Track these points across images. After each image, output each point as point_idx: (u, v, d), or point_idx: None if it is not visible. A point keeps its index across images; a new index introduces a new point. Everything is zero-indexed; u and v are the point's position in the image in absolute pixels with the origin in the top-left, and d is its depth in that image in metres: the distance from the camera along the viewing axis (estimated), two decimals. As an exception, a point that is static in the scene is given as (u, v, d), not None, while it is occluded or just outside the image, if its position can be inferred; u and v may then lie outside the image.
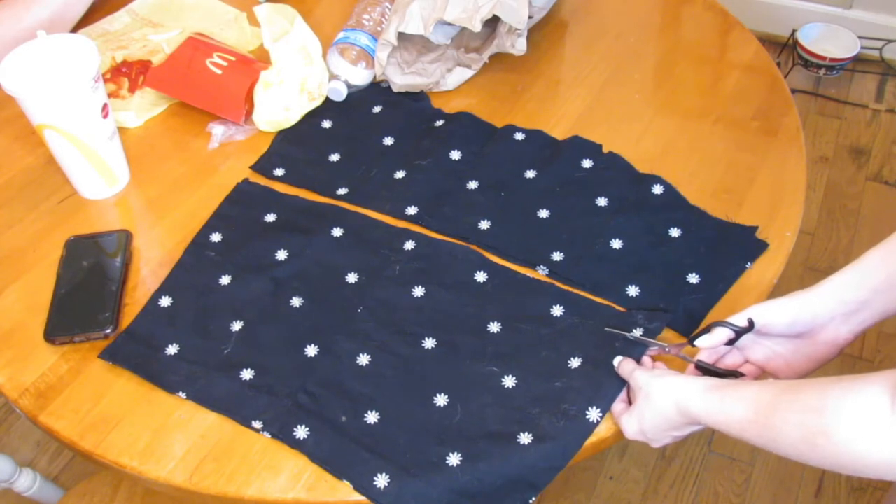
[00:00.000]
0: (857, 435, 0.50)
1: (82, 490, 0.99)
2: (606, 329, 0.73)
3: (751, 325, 0.66)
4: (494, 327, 0.75)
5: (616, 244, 0.82)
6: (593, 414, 0.68)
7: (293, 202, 0.89)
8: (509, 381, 0.71)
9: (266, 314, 0.78)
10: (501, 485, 0.66)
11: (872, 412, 0.49)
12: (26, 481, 1.08)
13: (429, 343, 0.75)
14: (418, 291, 0.79)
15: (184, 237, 0.86)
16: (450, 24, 0.95)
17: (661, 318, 0.74)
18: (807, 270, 1.75)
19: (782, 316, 0.65)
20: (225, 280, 0.81)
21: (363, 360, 0.74)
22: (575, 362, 0.71)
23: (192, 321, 0.78)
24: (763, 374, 0.68)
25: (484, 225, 0.85)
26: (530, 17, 0.98)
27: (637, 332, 0.72)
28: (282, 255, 0.83)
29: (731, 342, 0.67)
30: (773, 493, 1.42)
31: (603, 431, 0.68)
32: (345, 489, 0.66)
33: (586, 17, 1.12)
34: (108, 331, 0.76)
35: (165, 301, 0.79)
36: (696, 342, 0.67)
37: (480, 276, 0.79)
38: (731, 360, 0.70)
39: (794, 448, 0.54)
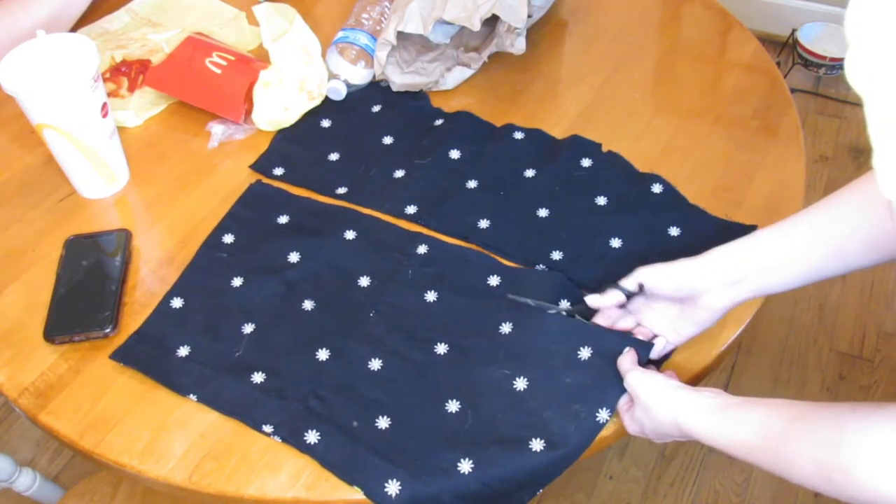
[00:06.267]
0: (879, 474, 0.49)
1: (82, 489, 0.99)
2: (509, 296, 0.76)
3: (640, 289, 0.70)
4: (506, 328, 0.75)
5: (615, 243, 0.82)
6: (602, 415, 0.68)
7: (306, 204, 0.88)
8: (521, 384, 0.70)
9: (277, 317, 0.77)
10: (510, 487, 0.66)
11: (893, 449, 0.48)
12: (26, 481, 1.08)
13: (441, 348, 0.74)
14: (431, 296, 0.78)
15: (183, 236, 0.86)
16: (449, 23, 0.95)
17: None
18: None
19: (665, 280, 0.69)
20: (237, 282, 0.81)
21: (375, 364, 0.73)
22: (585, 352, 0.71)
23: (204, 323, 0.77)
24: (654, 336, 0.71)
25: (483, 224, 0.85)
26: (529, 17, 0.98)
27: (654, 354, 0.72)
28: (294, 257, 0.82)
29: (622, 306, 0.71)
30: (773, 493, 1.42)
31: (603, 430, 0.68)
32: (344, 489, 0.66)
33: (586, 17, 1.12)
34: (107, 330, 0.76)
35: (177, 302, 0.79)
36: (587, 299, 0.72)
37: (493, 281, 0.79)
38: (623, 324, 0.73)
39: (810, 481, 0.53)
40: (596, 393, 0.69)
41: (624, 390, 0.68)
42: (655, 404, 0.63)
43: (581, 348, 0.71)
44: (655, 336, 0.71)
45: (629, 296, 0.71)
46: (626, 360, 0.68)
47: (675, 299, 0.70)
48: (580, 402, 0.68)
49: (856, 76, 0.40)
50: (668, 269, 0.69)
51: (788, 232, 0.66)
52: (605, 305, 0.72)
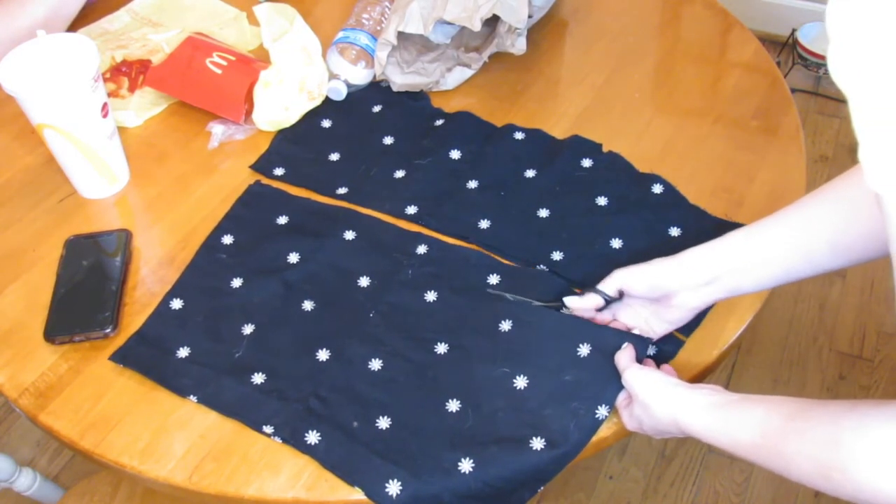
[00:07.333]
0: (877, 473, 0.48)
1: (82, 489, 0.99)
2: (488, 290, 0.77)
3: (620, 296, 0.72)
4: (506, 325, 0.75)
5: (616, 243, 0.82)
6: (602, 412, 0.68)
7: (305, 204, 0.88)
8: (521, 382, 0.70)
9: (277, 317, 0.77)
10: (511, 486, 0.66)
11: (891, 448, 0.48)
12: (26, 481, 1.08)
13: (441, 348, 0.74)
14: (431, 296, 0.78)
15: (184, 236, 0.86)
16: (449, 23, 0.95)
17: (673, 341, 0.74)
18: (807, 270, 1.75)
19: (641, 283, 0.70)
20: (236, 283, 0.81)
21: (375, 364, 0.73)
22: (584, 349, 0.71)
23: (203, 324, 0.77)
24: (628, 329, 0.73)
25: (484, 224, 0.85)
26: (530, 17, 0.98)
27: (650, 351, 0.73)
28: (293, 257, 0.82)
29: (600, 308, 0.73)
30: (773, 493, 1.42)
31: (603, 431, 0.68)
32: (344, 489, 0.66)
33: (586, 17, 1.12)
34: (107, 330, 0.76)
35: (176, 304, 0.79)
36: (567, 301, 0.73)
37: (493, 280, 0.79)
38: (600, 318, 0.75)
39: (809, 479, 0.53)
40: (595, 390, 0.69)
41: (622, 387, 0.68)
42: (654, 402, 0.63)
43: (580, 345, 0.71)
44: (631, 330, 0.73)
45: (608, 301, 0.72)
46: (624, 357, 0.68)
47: (650, 298, 0.71)
48: (579, 400, 0.68)
49: (838, 72, 0.40)
50: (644, 271, 0.70)
51: (759, 234, 0.67)
52: (584, 308, 0.73)
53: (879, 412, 0.49)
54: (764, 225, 0.67)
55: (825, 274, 0.66)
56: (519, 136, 0.94)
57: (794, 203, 0.66)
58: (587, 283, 0.78)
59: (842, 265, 0.64)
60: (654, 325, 0.72)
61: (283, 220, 0.87)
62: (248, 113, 0.96)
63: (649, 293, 0.70)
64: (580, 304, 0.72)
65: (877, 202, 0.43)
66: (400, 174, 0.91)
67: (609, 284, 0.71)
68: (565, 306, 0.73)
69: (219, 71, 0.95)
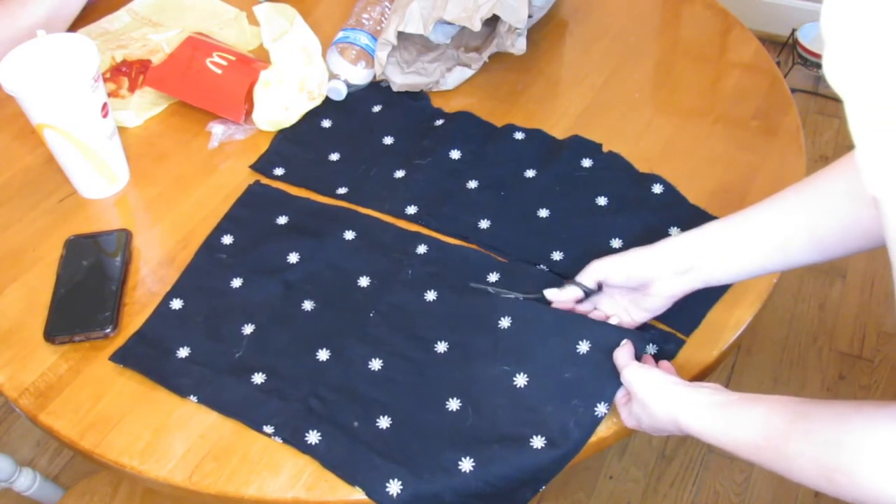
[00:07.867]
0: (881, 476, 0.48)
1: (82, 489, 0.99)
2: (471, 285, 0.78)
3: (599, 288, 0.73)
4: (505, 322, 0.75)
5: (616, 243, 0.82)
6: (601, 409, 0.68)
7: (305, 204, 0.88)
8: (521, 380, 0.70)
9: (277, 317, 0.77)
10: (512, 485, 0.66)
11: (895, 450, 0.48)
12: (26, 481, 1.08)
13: (441, 347, 0.74)
14: (430, 295, 0.78)
15: (183, 236, 0.86)
16: (449, 23, 0.95)
17: (674, 340, 0.74)
18: (807, 268, 1.75)
19: (619, 272, 0.71)
20: (236, 283, 0.81)
21: (375, 364, 0.73)
22: (584, 346, 0.71)
23: (203, 324, 0.77)
24: (606, 318, 0.73)
25: (484, 224, 0.85)
26: (530, 17, 0.98)
27: (650, 350, 0.72)
28: (293, 257, 0.82)
29: (580, 301, 0.74)
30: (773, 493, 1.42)
31: (603, 431, 0.68)
32: (344, 489, 0.66)
33: (586, 17, 1.12)
34: (107, 330, 0.76)
35: (176, 304, 0.79)
36: (546, 293, 0.74)
37: (493, 278, 0.79)
38: (580, 307, 0.75)
39: (812, 481, 0.53)
40: (594, 387, 0.69)
41: (621, 384, 0.68)
42: (652, 400, 0.63)
43: (580, 342, 0.71)
44: (609, 318, 0.73)
45: (588, 293, 0.72)
46: (623, 354, 0.68)
47: (628, 287, 0.72)
48: (579, 397, 0.68)
49: (834, 74, 0.40)
50: (622, 260, 0.71)
51: (736, 226, 0.67)
52: (564, 300, 0.73)
53: (884, 413, 0.49)
54: (741, 216, 0.67)
55: (804, 267, 0.67)
56: (519, 136, 0.94)
57: (772, 195, 0.66)
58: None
59: (820, 259, 0.65)
60: (633, 313, 0.73)
61: (282, 220, 0.87)
62: (248, 113, 0.96)
63: (627, 283, 0.71)
64: (560, 297, 0.73)
65: (874, 204, 0.43)
66: (400, 174, 0.91)
67: (588, 276, 0.72)
68: (544, 297, 0.74)
69: (219, 71, 0.95)
